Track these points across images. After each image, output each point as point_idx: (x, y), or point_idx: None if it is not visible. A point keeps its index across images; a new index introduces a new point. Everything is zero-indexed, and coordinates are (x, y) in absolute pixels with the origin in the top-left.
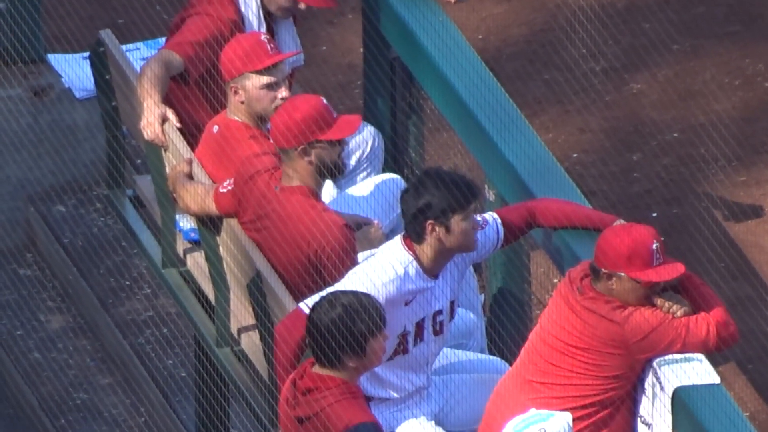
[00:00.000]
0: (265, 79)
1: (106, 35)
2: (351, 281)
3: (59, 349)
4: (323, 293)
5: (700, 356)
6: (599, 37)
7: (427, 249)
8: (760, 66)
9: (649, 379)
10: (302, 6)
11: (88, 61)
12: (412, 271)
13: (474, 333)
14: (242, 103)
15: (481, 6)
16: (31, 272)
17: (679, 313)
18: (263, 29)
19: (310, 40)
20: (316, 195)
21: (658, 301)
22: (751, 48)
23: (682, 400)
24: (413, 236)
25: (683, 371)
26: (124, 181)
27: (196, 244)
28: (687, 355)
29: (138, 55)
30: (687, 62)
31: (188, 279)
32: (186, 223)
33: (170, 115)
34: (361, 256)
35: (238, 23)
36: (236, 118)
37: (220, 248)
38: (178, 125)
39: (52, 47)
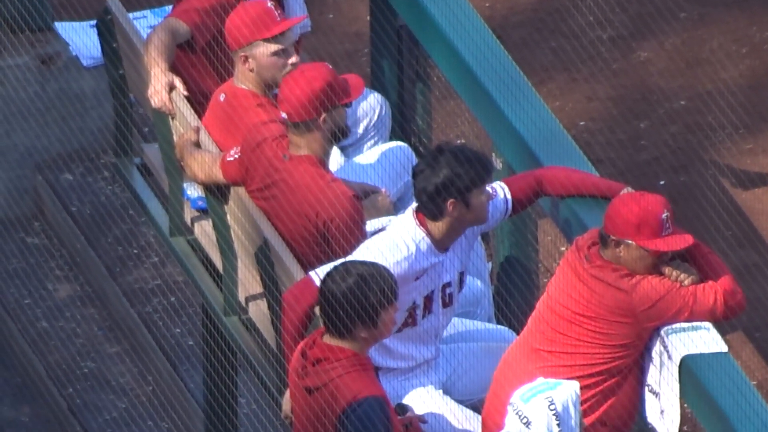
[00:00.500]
0: (275, 47)
1: (113, 3)
2: (362, 257)
3: (67, 317)
4: (334, 264)
5: (708, 324)
6: (606, 5)
7: (441, 225)
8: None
9: (657, 348)
10: None
11: (95, 29)
12: (424, 246)
13: (482, 301)
14: (251, 71)
15: None
16: (39, 241)
17: (686, 282)
18: None
19: (317, 7)
20: (325, 164)
21: (666, 270)
22: (759, 16)
23: (689, 368)
24: (430, 213)
25: (690, 340)
26: (131, 150)
27: (203, 212)
28: (694, 323)
29: (145, 23)
30: (694, 30)
31: (196, 247)
32: (193, 191)
33: (177, 83)
34: (369, 225)
35: None
36: (243, 86)
37: (228, 216)
38: (186, 93)
39: (60, 15)
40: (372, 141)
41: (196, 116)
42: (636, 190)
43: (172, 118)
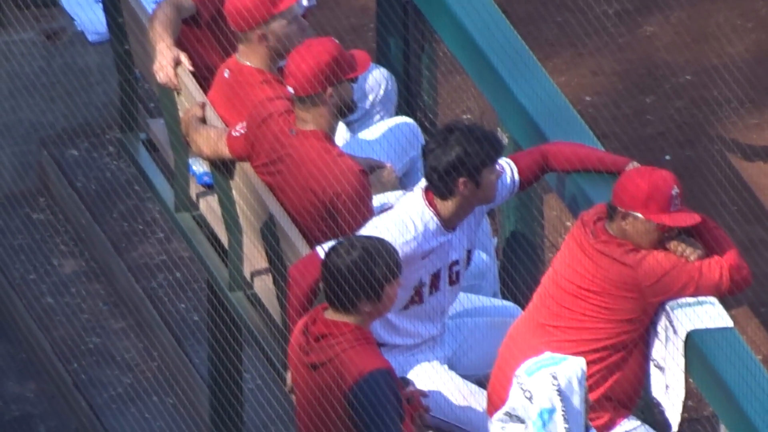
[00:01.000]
0: (290, 16)
1: None
2: (369, 235)
3: (72, 293)
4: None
5: (713, 299)
6: None
7: (450, 204)
8: None
9: (662, 323)
10: None
11: (100, 4)
12: (432, 226)
13: (486, 274)
14: (268, 47)
15: None
16: (44, 216)
17: (692, 257)
18: None
19: None
20: (331, 139)
21: (672, 245)
22: None
23: (695, 343)
24: (440, 192)
25: (696, 315)
26: (137, 125)
27: (209, 187)
28: (700, 298)
29: None
30: (700, 4)
31: (201, 223)
32: (199, 166)
33: (183, 58)
34: (375, 200)
35: None
36: (248, 62)
37: (233, 192)
38: (191, 68)
39: None
40: (378, 116)
41: (201, 91)
42: (641, 164)
43: (178, 94)
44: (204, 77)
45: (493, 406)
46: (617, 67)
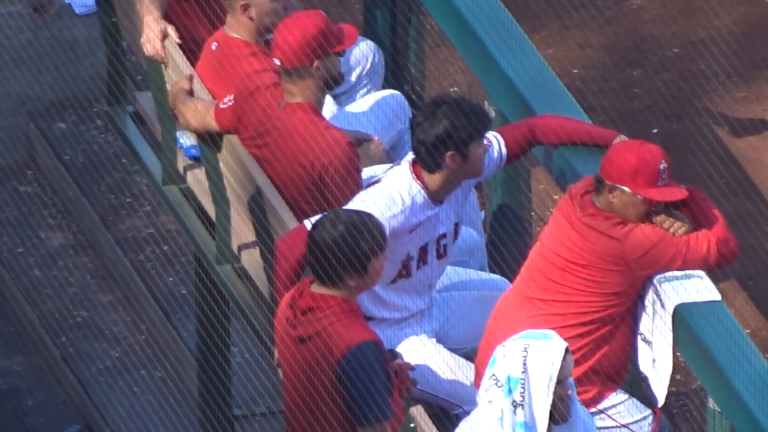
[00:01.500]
0: None
1: None
2: (357, 209)
3: (60, 266)
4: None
5: (701, 273)
6: None
7: (438, 177)
8: None
9: (650, 296)
10: None
11: None
12: (419, 199)
13: (475, 251)
14: (251, 19)
15: None
16: (32, 189)
17: (679, 231)
18: None
19: None
20: (319, 112)
21: (659, 218)
22: None
23: (682, 317)
24: (427, 166)
25: (684, 288)
26: (124, 98)
27: (196, 160)
28: (687, 271)
29: None
30: None
31: (189, 196)
32: (186, 139)
33: (170, 31)
34: (362, 174)
35: None
36: (235, 35)
37: (221, 165)
38: (178, 41)
39: None
40: (365, 89)
41: (189, 64)
42: (629, 138)
43: (165, 66)
44: (191, 50)
45: (481, 379)
46: (604, 40)
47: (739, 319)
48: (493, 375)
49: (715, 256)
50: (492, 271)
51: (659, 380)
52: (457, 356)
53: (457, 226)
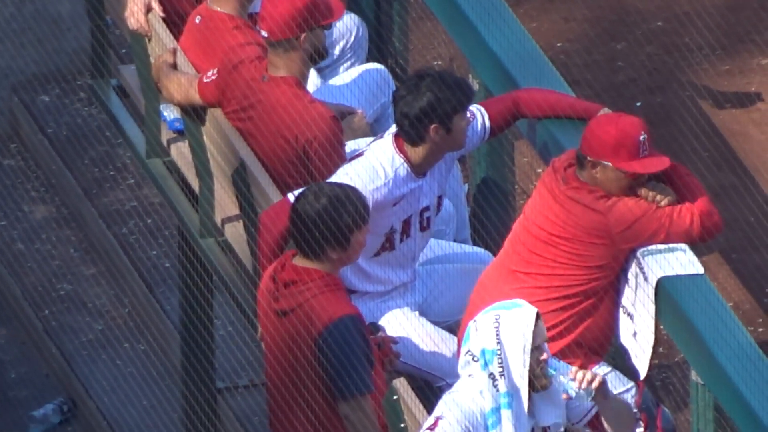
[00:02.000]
0: None
1: None
2: (340, 182)
3: (43, 239)
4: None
5: (684, 246)
6: None
7: (421, 150)
8: None
9: (633, 270)
10: None
11: None
12: (402, 172)
13: (450, 221)
14: None
15: None
16: (15, 162)
17: (663, 203)
18: None
19: None
20: (303, 86)
21: (642, 191)
22: None
23: (666, 290)
24: (410, 138)
25: (667, 261)
26: (108, 71)
27: (180, 133)
28: (671, 245)
29: None
30: None
31: (172, 169)
32: (170, 113)
33: (154, 4)
34: (346, 147)
35: None
36: (219, 8)
37: (205, 138)
38: (162, 14)
39: None
40: (349, 62)
41: (172, 38)
42: (613, 111)
43: (149, 40)
44: (175, 23)
45: None
46: (588, 13)
47: (722, 293)
48: (469, 351)
49: (698, 229)
50: (475, 244)
51: (642, 353)
52: (440, 329)
53: (440, 198)
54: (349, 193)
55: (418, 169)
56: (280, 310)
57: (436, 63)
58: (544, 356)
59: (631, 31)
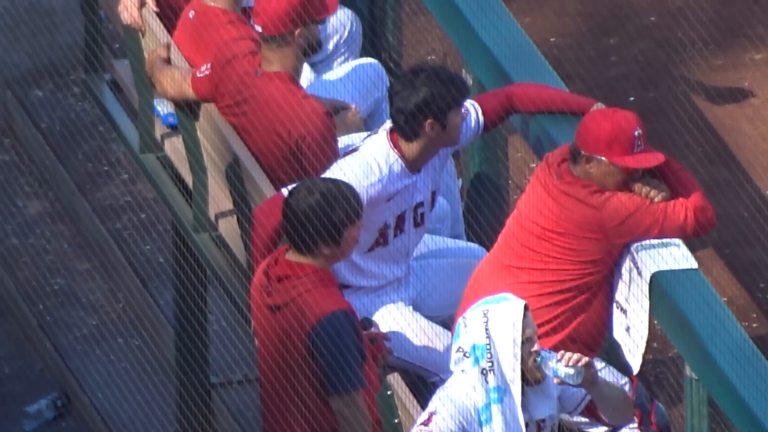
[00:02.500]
0: None
1: None
2: (334, 177)
3: (36, 234)
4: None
5: (678, 241)
6: None
7: (415, 146)
8: None
9: (627, 264)
10: None
11: None
12: (397, 168)
13: (445, 219)
14: None
15: None
16: (9, 157)
17: (657, 199)
18: None
19: None
20: (296, 81)
21: (636, 186)
22: None
23: (659, 285)
24: (405, 134)
25: (661, 256)
26: (101, 66)
27: (173, 128)
28: (665, 240)
29: None
30: None
31: (166, 164)
32: (164, 107)
33: None
34: (339, 142)
35: None
36: (212, 3)
37: (198, 133)
38: (156, 9)
39: None
40: (342, 57)
41: (166, 32)
42: (606, 106)
43: (143, 34)
44: (168, 18)
45: None
46: (581, 8)
47: (715, 287)
48: (459, 348)
49: (692, 224)
50: (469, 239)
51: (635, 348)
52: (433, 324)
53: (434, 194)
54: (342, 188)
55: (413, 165)
56: (273, 305)
57: (429, 58)
58: (536, 347)
59: (623, 25)
